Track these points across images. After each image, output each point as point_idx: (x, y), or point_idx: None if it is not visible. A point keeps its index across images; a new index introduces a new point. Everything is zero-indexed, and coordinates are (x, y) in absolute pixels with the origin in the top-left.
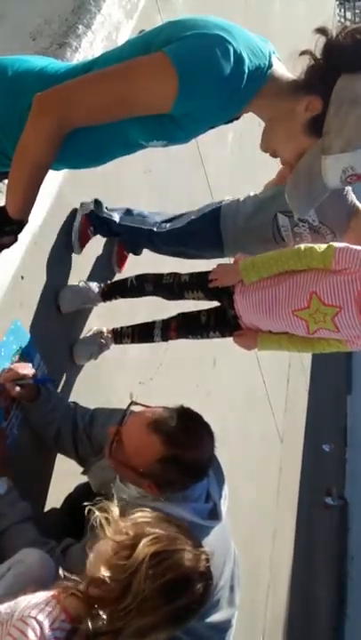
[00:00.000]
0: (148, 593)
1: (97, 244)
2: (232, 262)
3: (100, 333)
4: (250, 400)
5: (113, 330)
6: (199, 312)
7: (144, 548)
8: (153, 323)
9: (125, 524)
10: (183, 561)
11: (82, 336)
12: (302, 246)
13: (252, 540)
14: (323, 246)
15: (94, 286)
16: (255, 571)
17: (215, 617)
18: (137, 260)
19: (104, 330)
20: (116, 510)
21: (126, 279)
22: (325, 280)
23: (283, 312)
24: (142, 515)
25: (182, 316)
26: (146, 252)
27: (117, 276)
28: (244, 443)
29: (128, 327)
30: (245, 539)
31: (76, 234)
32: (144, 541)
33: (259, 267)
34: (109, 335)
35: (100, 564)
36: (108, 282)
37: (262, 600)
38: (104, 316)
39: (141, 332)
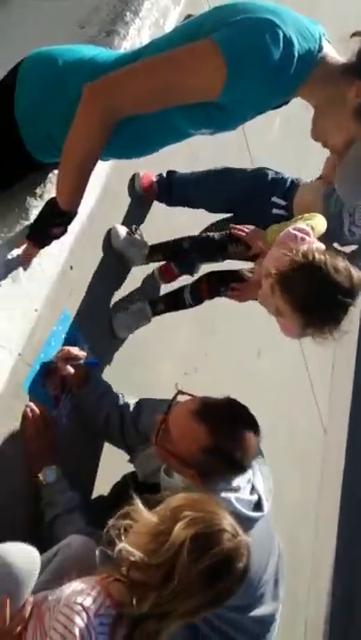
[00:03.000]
0: (192, 577)
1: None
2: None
3: (141, 308)
4: (293, 390)
5: (149, 302)
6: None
7: (181, 531)
8: (183, 287)
9: (159, 510)
10: (223, 542)
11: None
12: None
13: (293, 532)
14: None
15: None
16: (297, 564)
17: (260, 610)
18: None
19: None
20: (141, 508)
21: (169, 240)
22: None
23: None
24: (176, 498)
25: (212, 274)
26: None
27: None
28: (287, 434)
29: (161, 295)
30: (287, 531)
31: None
32: (180, 524)
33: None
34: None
35: (137, 549)
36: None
37: (304, 593)
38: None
39: (173, 297)
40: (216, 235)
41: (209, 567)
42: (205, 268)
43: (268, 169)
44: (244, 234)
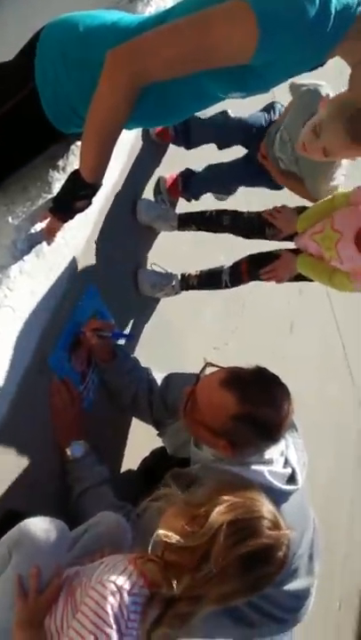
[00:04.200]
0: (228, 562)
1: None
2: None
3: (170, 274)
4: (328, 365)
5: (181, 275)
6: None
7: (218, 515)
8: (221, 267)
9: (198, 492)
10: (262, 529)
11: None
12: (336, 193)
13: (328, 508)
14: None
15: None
16: (332, 539)
17: (294, 585)
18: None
19: (177, 274)
20: (178, 493)
21: (206, 210)
22: (343, 209)
23: (306, 236)
24: (216, 481)
25: (252, 256)
26: None
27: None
28: (322, 409)
29: (196, 271)
30: (322, 507)
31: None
32: (218, 509)
33: (310, 217)
34: (178, 277)
35: (173, 531)
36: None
37: (339, 569)
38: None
39: (209, 276)
40: (256, 215)
41: (246, 554)
42: (244, 247)
43: (277, 103)
44: (274, 218)
